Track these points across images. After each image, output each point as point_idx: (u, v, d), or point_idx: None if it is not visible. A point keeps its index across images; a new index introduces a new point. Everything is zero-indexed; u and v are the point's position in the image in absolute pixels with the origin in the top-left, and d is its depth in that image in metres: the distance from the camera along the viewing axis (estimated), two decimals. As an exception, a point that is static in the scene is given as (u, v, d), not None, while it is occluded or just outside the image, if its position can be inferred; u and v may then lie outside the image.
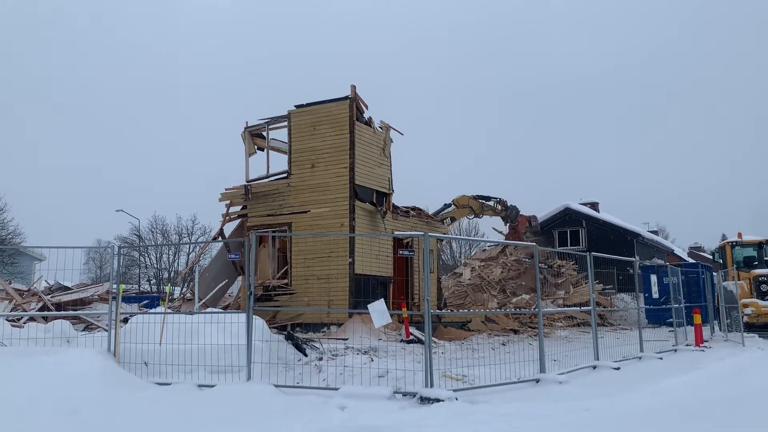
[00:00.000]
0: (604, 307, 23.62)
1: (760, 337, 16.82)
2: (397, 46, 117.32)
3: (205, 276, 18.57)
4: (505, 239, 26.63)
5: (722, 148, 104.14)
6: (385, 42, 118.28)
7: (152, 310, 11.70)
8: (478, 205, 24.80)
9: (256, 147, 18.78)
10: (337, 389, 7.94)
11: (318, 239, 16.13)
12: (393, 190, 17.99)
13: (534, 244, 12.51)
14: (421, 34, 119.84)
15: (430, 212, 22.64)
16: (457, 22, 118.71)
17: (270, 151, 18.44)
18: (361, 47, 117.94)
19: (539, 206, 36.89)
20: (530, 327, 19.60)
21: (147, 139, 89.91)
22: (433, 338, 12.29)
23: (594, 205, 37.15)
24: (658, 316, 20.80)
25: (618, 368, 10.25)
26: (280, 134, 18.38)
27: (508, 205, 26.25)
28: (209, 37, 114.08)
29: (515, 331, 18.70)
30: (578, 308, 21.37)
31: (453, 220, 24.74)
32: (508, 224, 26.90)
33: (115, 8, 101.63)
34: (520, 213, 26.61)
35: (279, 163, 18.12)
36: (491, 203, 25.76)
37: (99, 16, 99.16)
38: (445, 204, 24.50)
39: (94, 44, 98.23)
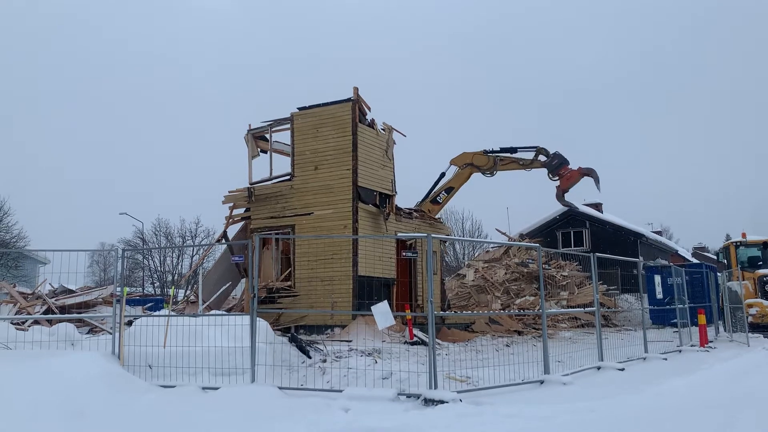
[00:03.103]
0: (608, 307, 23.59)
1: (765, 337, 16.79)
2: (399, 49, 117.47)
3: (208, 278, 18.60)
4: (556, 196, 20.78)
5: (726, 147, 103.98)
6: (387, 44, 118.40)
7: (156, 313, 11.72)
8: (485, 161, 19.81)
9: (259, 149, 18.81)
10: (341, 391, 7.95)
11: (321, 241, 16.13)
12: (396, 192, 18.00)
13: (537, 244, 12.50)
14: (423, 37, 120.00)
15: (421, 198, 20.13)
16: (458, 28, 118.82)
17: (273, 154, 18.46)
18: (362, 51, 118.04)
19: (543, 207, 36.87)
20: (534, 328, 19.57)
21: (148, 141, 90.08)
22: (437, 340, 12.28)
23: (597, 206, 37.11)
24: (662, 317, 20.75)
25: (622, 369, 10.25)
26: (282, 137, 18.40)
27: (550, 153, 20.04)
28: (210, 39, 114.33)
29: (519, 333, 18.67)
30: (582, 309, 21.35)
31: (450, 191, 20.20)
32: (555, 178, 20.56)
33: (117, 9, 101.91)
34: (565, 164, 20.03)
35: (282, 165, 18.14)
36: (516, 155, 20.09)
37: (99, 17, 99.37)
38: (442, 173, 20.36)
39: (95, 45, 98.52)
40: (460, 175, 20.12)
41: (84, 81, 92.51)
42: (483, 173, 20.13)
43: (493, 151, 20.01)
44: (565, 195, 20.78)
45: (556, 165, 19.93)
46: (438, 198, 20.01)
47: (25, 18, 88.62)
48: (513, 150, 20.00)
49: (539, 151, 19.93)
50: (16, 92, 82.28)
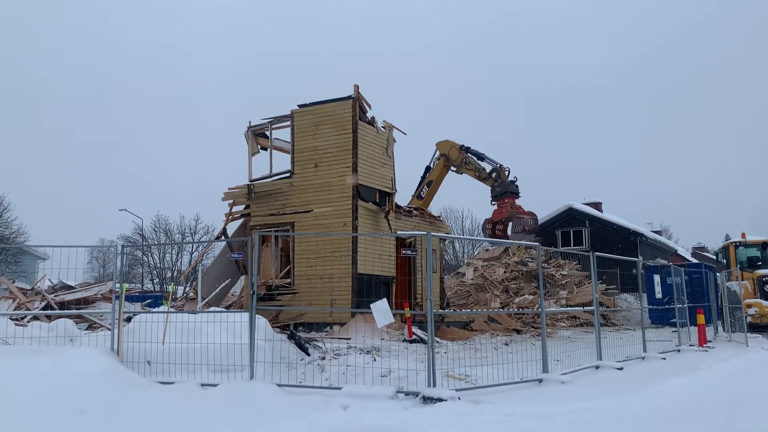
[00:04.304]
0: (608, 307, 23.60)
1: (763, 337, 16.80)
2: (399, 49, 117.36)
3: (208, 275, 18.59)
4: (482, 225, 20.44)
5: (727, 147, 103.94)
6: (387, 44, 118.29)
7: (155, 309, 11.71)
8: (456, 155, 19.73)
9: (259, 146, 18.80)
10: (339, 389, 7.94)
11: (321, 239, 16.13)
12: (396, 190, 18.00)
13: (537, 243, 12.49)
14: (423, 37, 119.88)
15: (413, 191, 20.18)
16: (457, 25, 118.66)
17: (273, 151, 18.46)
18: (364, 50, 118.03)
19: (542, 206, 36.73)
20: (533, 327, 19.58)
21: (148, 139, 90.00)
22: (436, 338, 12.27)
23: (597, 205, 37.08)
24: (661, 317, 20.77)
25: (621, 368, 10.25)
26: (283, 134, 18.41)
27: (508, 179, 19.45)
28: (211, 37, 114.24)
29: (518, 331, 18.68)
30: (581, 308, 21.35)
31: (431, 185, 20.07)
32: (493, 204, 19.97)
33: (119, 6, 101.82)
34: (509, 196, 19.22)
35: (282, 162, 18.15)
36: (482, 163, 19.72)
37: (106, 15, 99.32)
38: (427, 167, 20.42)
39: (94, 44, 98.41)
40: (437, 167, 19.94)
41: (83, 80, 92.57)
42: (450, 168, 19.86)
43: (468, 150, 19.69)
44: (509, 229, 19.73)
45: (498, 192, 19.42)
46: (421, 193, 20.03)
47: (23, 16, 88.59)
48: (481, 157, 19.64)
49: (498, 169, 19.48)
50: (15, 92, 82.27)
